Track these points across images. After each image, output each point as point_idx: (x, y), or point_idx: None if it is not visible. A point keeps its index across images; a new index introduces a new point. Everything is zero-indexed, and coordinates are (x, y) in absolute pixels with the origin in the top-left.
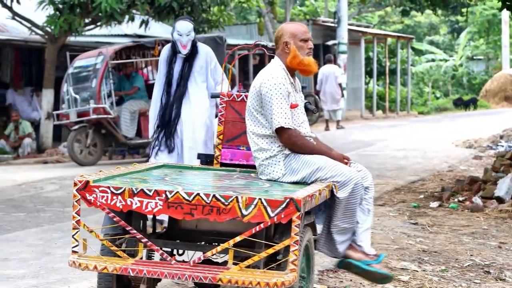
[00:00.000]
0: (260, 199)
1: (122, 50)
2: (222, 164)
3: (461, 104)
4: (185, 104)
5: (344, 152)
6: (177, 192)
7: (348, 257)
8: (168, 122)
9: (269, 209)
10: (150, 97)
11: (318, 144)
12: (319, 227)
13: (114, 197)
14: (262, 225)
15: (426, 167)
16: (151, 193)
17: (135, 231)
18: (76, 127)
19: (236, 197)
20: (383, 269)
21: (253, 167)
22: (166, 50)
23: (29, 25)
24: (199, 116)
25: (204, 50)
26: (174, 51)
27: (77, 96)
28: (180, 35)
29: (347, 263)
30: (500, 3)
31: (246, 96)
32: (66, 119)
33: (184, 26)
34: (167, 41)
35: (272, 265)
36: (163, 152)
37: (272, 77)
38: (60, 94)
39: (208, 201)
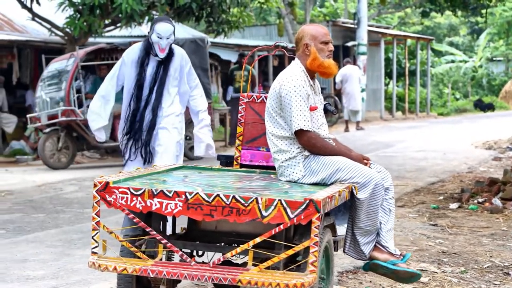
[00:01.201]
0: (280, 200)
1: (96, 52)
2: (242, 165)
3: (478, 107)
4: (159, 111)
5: (364, 153)
6: (197, 193)
7: (374, 259)
8: (139, 129)
9: (288, 210)
10: None
11: (337, 145)
12: (339, 229)
13: (134, 198)
14: (281, 226)
15: (446, 168)
16: (170, 194)
17: (155, 232)
18: (47, 130)
19: (256, 198)
20: (410, 268)
21: (273, 168)
22: (136, 50)
23: (49, 26)
24: (171, 124)
25: (180, 53)
26: (147, 52)
27: (48, 99)
28: (160, 38)
29: (373, 264)
30: None
31: (266, 97)
32: (39, 122)
33: (166, 28)
34: None
35: (292, 266)
36: (135, 162)
37: (292, 79)
38: (35, 97)
39: (228, 202)
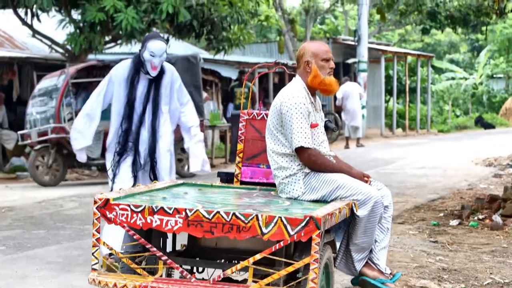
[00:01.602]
0: (280, 217)
1: (87, 70)
2: (242, 182)
3: (480, 123)
4: (157, 131)
5: (364, 170)
6: (197, 210)
7: (364, 275)
8: (136, 150)
9: (289, 227)
10: None
11: (338, 163)
12: (339, 245)
13: (134, 215)
14: (282, 243)
15: (446, 185)
16: (171, 211)
17: (155, 249)
18: (38, 147)
19: (256, 215)
20: None
21: (273, 185)
22: (125, 68)
23: (49, 43)
24: (166, 146)
25: (170, 70)
26: (137, 70)
27: (38, 116)
28: (153, 56)
29: (362, 280)
30: None
31: (266, 115)
32: (30, 139)
33: (159, 47)
34: None
35: (292, 283)
36: (126, 181)
37: (293, 96)
38: (26, 114)
39: (228, 219)
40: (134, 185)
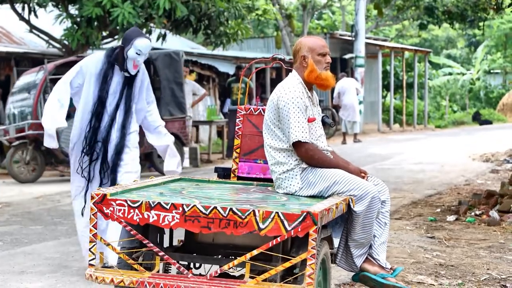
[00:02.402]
0: (277, 212)
1: (66, 65)
2: (239, 178)
3: (477, 120)
4: (126, 130)
5: (361, 165)
6: (194, 205)
7: (364, 270)
8: (105, 150)
9: (286, 223)
10: None
11: (335, 158)
12: (336, 241)
13: (131, 211)
14: (279, 239)
15: (443, 180)
16: (168, 207)
17: (152, 245)
18: (16, 143)
19: (253, 211)
20: (400, 283)
21: (270, 180)
22: (98, 62)
23: (46, 38)
24: (133, 143)
25: (142, 68)
26: (111, 65)
27: (16, 112)
28: (139, 55)
29: (363, 276)
30: None
31: (263, 110)
32: (8, 135)
33: (146, 45)
34: None
35: (289, 279)
36: (94, 183)
37: (290, 91)
38: (5, 110)
39: (225, 215)
40: (100, 185)
